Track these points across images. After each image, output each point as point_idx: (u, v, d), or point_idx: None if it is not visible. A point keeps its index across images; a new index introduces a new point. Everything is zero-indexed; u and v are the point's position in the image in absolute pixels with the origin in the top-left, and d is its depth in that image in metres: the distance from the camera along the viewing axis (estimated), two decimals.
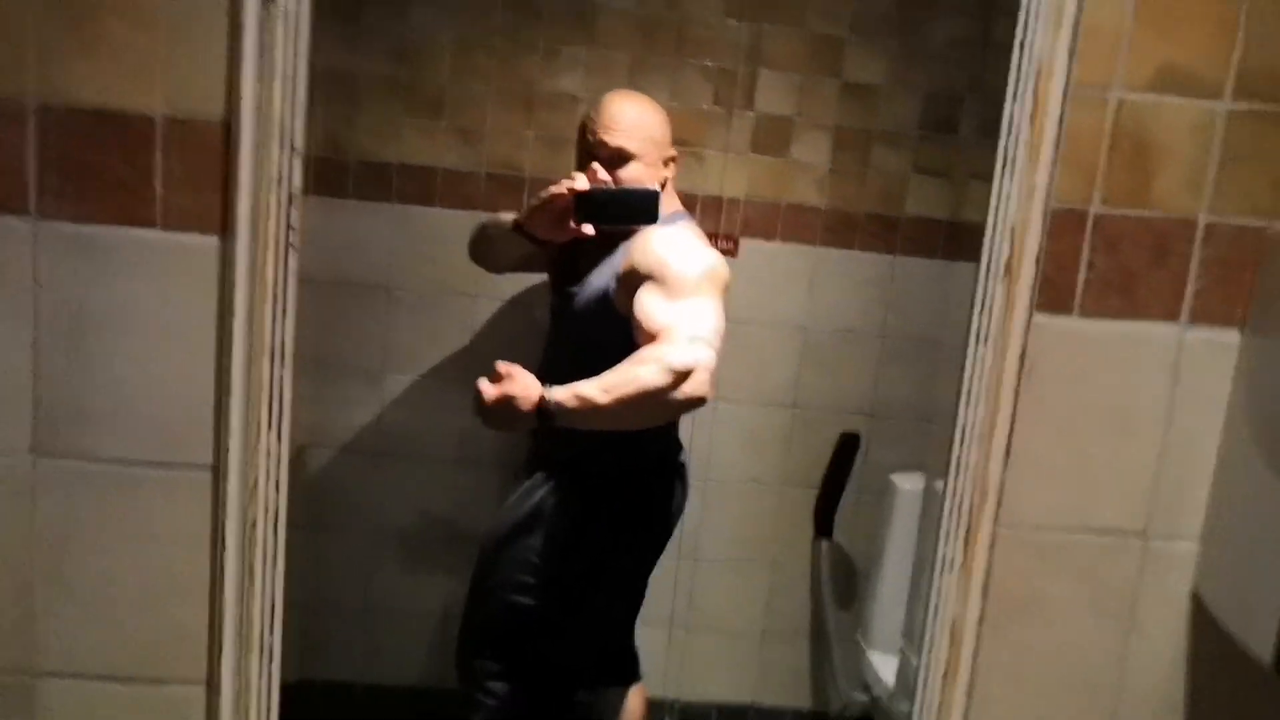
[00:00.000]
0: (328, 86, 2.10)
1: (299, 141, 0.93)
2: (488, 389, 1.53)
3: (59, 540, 0.95)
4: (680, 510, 1.91)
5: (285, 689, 1.02)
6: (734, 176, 2.25)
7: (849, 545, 2.37)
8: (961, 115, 2.25)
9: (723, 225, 2.27)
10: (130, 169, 0.92)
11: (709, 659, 2.40)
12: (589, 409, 1.48)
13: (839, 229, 2.27)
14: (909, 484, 2.22)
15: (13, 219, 0.92)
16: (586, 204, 1.62)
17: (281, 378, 0.92)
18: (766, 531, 2.37)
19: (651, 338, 1.52)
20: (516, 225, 1.75)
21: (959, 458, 1.03)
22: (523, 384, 1.52)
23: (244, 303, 0.90)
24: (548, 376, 1.57)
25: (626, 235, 1.69)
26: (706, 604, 2.38)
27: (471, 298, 2.23)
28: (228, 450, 0.91)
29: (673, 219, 1.74)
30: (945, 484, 1.11)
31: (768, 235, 2.28)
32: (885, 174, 2.26)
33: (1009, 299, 1.00)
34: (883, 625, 2.23)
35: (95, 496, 0.95)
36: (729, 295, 1.65)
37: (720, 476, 2.33)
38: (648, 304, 1.57)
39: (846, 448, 2.27)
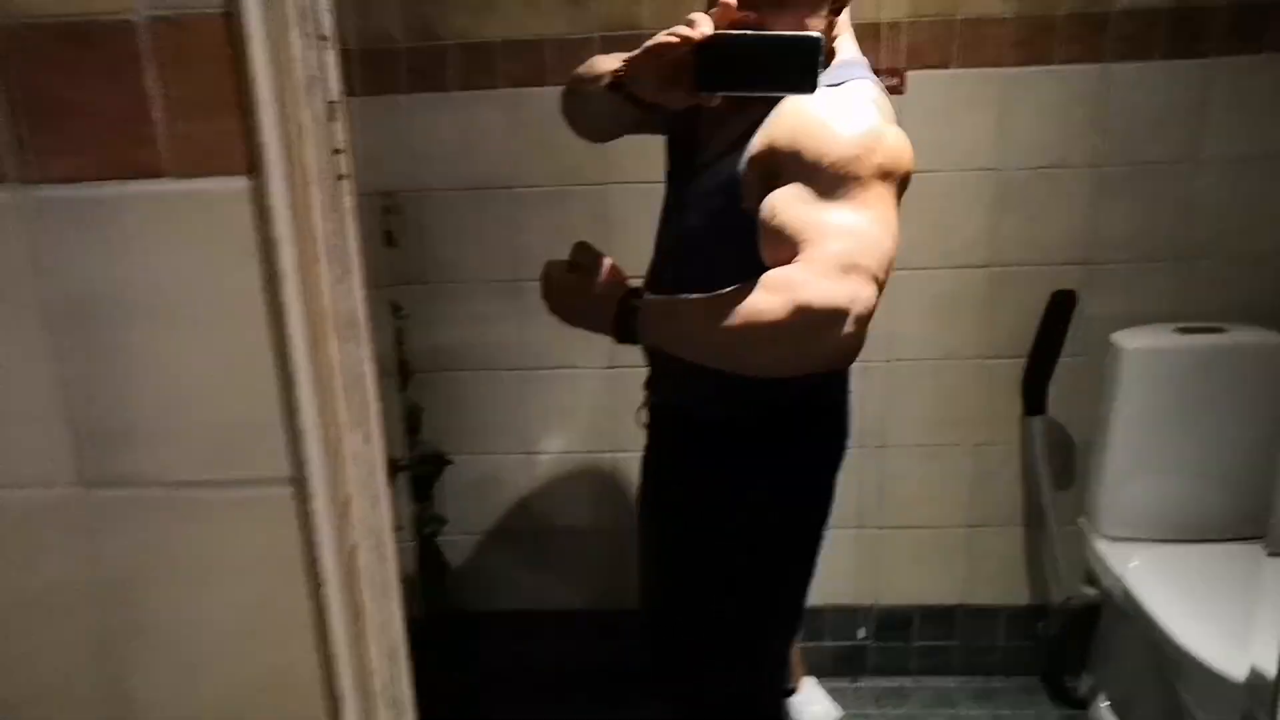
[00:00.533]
0: None
1: (327, 25, 0.65)
2: (557, 273, 1.22)
3: (130, 582, 0.76)
4: (836, 468, 1.41)
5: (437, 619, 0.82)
6: None
7: (1065, 419, 2.02)
8: None
9: (882, 58, 1.87)
10: (118, 97, 0.67)
11: (906, 558, 2.15)
12: (680, 333, 1.13)
13: (1031, 40, 1.84)
14: (1136, 341, 1.86)
15: None
16: (712, 59, 1.10)
17: (358, 359, 0.67)
18: (966, 412, 2.05)
19: (787, 257, 1.07)
20: (614, 82, 1.26)
21: None
22: (602, 275, 1.20)
23: (292, 262, 0.65)
24: (651, 289, 1.23)
25: (772, 101, 1.21)
26: (900, 497, 2.11)
27: (603, 187, 1.94)
28: (306, 459, 0.68)
29: (844, 73, 1.22)
30: None
31: (941, 62, 1.87)
32: None
33: None
34: (1111, 508, 1.91)
35: (161, 527, 0.75)
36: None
37: (907, 354, 2.01)
38: (786, 205, 1.11)
39: (1059, 308, 1.90)
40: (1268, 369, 1.83)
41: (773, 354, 1.07)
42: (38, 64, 0.67)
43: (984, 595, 2.15)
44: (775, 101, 1.19)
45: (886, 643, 2.19)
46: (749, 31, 1.10)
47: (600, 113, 1.38)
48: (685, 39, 1.08)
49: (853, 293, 1.02)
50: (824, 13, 1.21)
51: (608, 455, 2.11)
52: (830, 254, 1.03)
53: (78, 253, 0.69)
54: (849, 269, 1.03)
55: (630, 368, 1.52)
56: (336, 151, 0.65)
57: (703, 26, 1.08)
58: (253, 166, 0.66)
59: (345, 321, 0.66)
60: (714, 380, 1.24)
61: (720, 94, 1.12)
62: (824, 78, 1.14)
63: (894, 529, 2.13)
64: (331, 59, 0.65)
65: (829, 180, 1.08)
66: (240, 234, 0.68)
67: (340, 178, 0.66)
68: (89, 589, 0.76)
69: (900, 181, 1.12)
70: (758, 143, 1.18)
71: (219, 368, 0.70)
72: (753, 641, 1.43)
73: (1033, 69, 1.85)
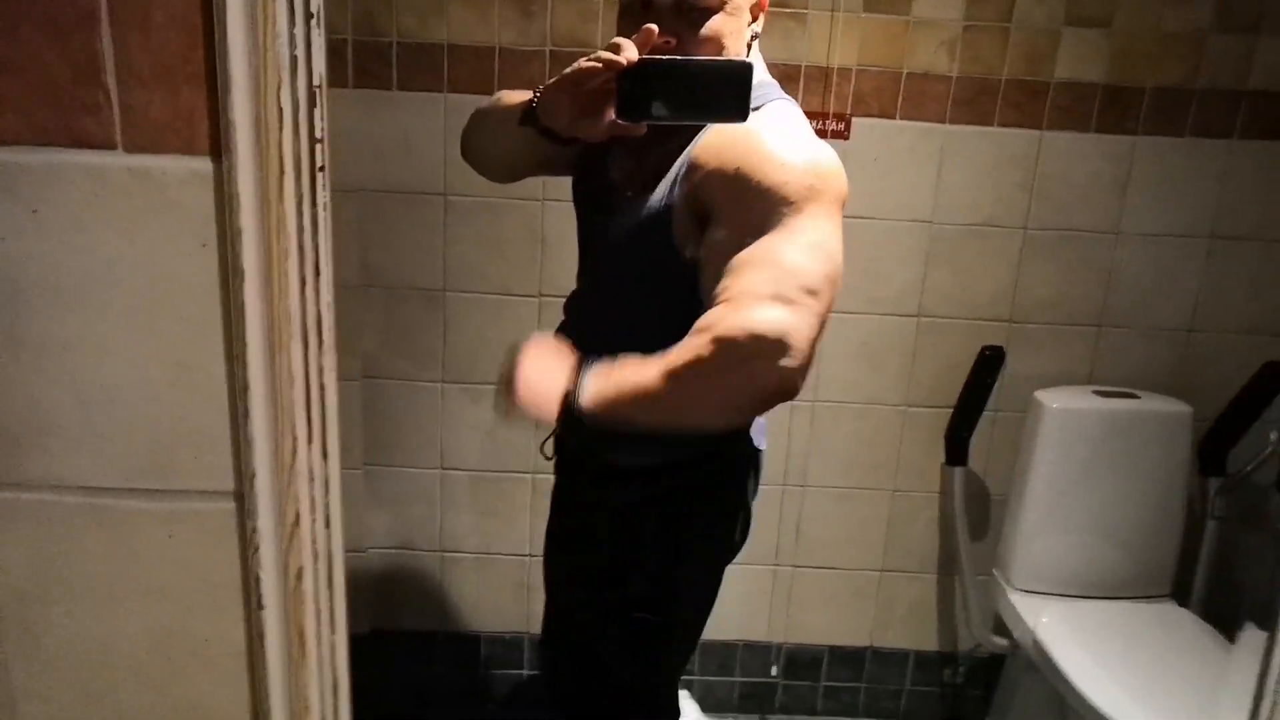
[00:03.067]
0: None
1: (316, 1, 0.60)
2: (508, 380, 1.10)
3: (32, 598, 0.68)
4: (748, 520, 1.38)
5: (357, 640, 0.76)
6: (843, 40, 1.86)
7: (983, 471, 2.06)
8: None
9: (830, 102, 1.89)
10: (66, 60, 0.60)
11: (819, 598, 2.15)
12: (626, 410, 1.04)
13: (973, 100, 1.89)
14: (1057, 400, 1.91)
15: None
16: (638, 86, 1.03)
17: (321, 368, 0.61)
18: (886, 457, 2.07)
19: (718, 291, 1.03)
20: (526, 114, 1.17)
21: None
22: (539, 378, 1.08)
23: (256, 258, 0.59)
24: (583, 337, 1.17)
25: (692, 129, 1.16)
26: (816, 537, 2.11)
27: (539, 203, 1.90)
28: (253, 474, 0.62)
29: (762, 95, 1.16)
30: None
31: (885, 112, 1.90)
32: (1029, 28, 1.85)
33: None
34: (1024, 561, 1.95)
35: (73, 538, 0.67)
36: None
37: (832, 396, 2.02)
38: (720, 242, 1.05)
39: (988, 365, 1.94)
40: (1175, 436, 1.90)
41: (709, 398, 1.03)
42: None
43: (894, 639, 2.17)
44: (695, 130, 1.15)
45: (795, 681, 2.18)
46: (678, 57, 1.06)
47: (507, 150, 1.32)
48: (610, 64, 1.03)
49: (779, 321, 0.98)
50: (744, 41, 1.18)
51: (526, 476, 2.05)
52: (757, 287, 1.00)
53: (6, 225, 0.62)
54: (777, 299, 0.99)
55: None
56: (317, 140, 0.60)
57: (628, 51, 1.03)
58: (218, 148, 0.60)
59: (312, 328, 0.61)
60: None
61: (645, 123, 1.07)
62: None
63: (809, 568, 2.13)
64: (319, 39, 0.60)
65: (772, 209, 1.04)
66: (198, 221, 0.61)
67: (318, 168, 0.60)
68: None
69: (840, 200, 1.10)
70: (688, 173, 1.13)
71: (160, 366, 0.64)
72: (647, 675, 1.41)
73: (973, 128, 1.89)
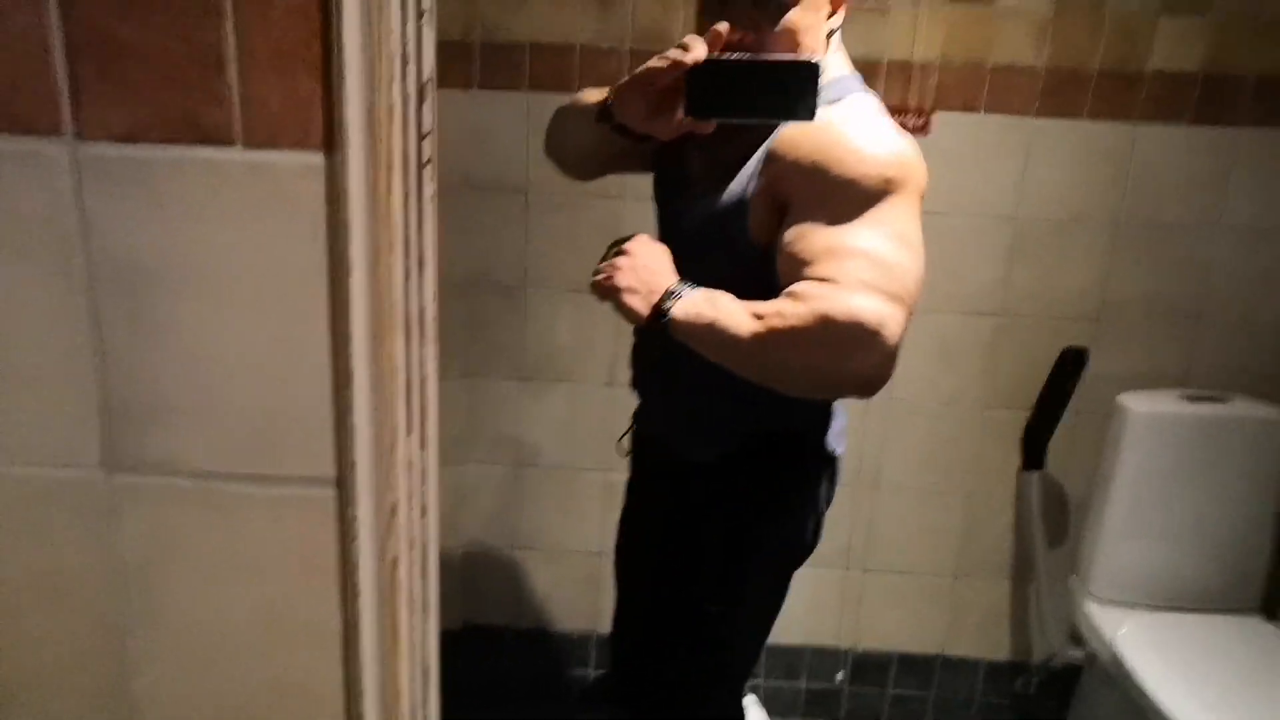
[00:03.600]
0: None
1: (428, 0, 0.61)
2: (609, 268, 1.14)
3: (147, 574, 0.71)
4: (819, 525, 1.37)
5: (447, 635, 0.78)
6: (926, 32, 1.83)
7: (1062, 475, 2.01)
8: None
9: (912, 96, 1.86)
10: (191, 53, 0.62)
11: (890, 602, 2.12)
12: (711, 341, 1.07)
13: (1062, 92, 1.84)
14: (1143, 405, 1.85)
15: (43, 142, 0.64)
16: (705, 85, 1.05)
17: (422, 360, 0.62)
18: (962, 459, 2.03)
19: (809, 274, 1.04)
20: (602, 112, 1.20)
21: None
22: (644, 267, 1.12)
23: (363, 251, 0.60)
24: None
25: (768, 126, 1.16)
26: (888, 540, 2.08)
27: (617, 199, 1.90)
28: (353, 463, 0.63)
29: (841, 89, 1.17)
30: None
31: (969, 105, 1.86)
32: (1123, 16, 1.79)
33: None
34: (1104, 570, 1.90)
35: (188, 519, 0.69)
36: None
37: (907, 395, 1.99)
38: (808, 232, 1.06)
39: (1070, 366, 1.88)
40: (1268, 444, 1.83)
41: (796, 368, 1.05)
42: (108, 7, 0.62)
43: (965, 647, 2.13)
44: (771, 126, 1.15)
45: (862, 687, 2.16)
46: (744, 56, 1.07)
47: (586, 147, 1.34)
48: (676, 63, 1.05)
49: (880, 313, 0.99)
50: (822, 36, 1.17)
51: (598, 473, 2.06)
52: (857, 274, 1.01)
53: (130, 217, 0.64)
54: (876, 290, 1.00)
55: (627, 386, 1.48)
56: (424, 135, 0.61)
57: (696, 50, 1.05)
58: (331, 143, 0.61)
59: (415, 321, 0.62)
60: (703, 416, 1.25)
61: (714, 120, 1.09)
62: (825, 89, 1.11)
63: (880, 572, 2.10)
64: (429, 36, 0.61)
65: (853, 200, 1.05)
66: (309, 214, 0.63)
67: (424, 164, 0.61)
68: (105, 577, 0.71)
69: (920, 194, 1.10)
70: (766, 165, 1.14)
71: (269, 355, 0.65)
72: (713, 674, 1.41)
73: (1061, 121, 1.84)
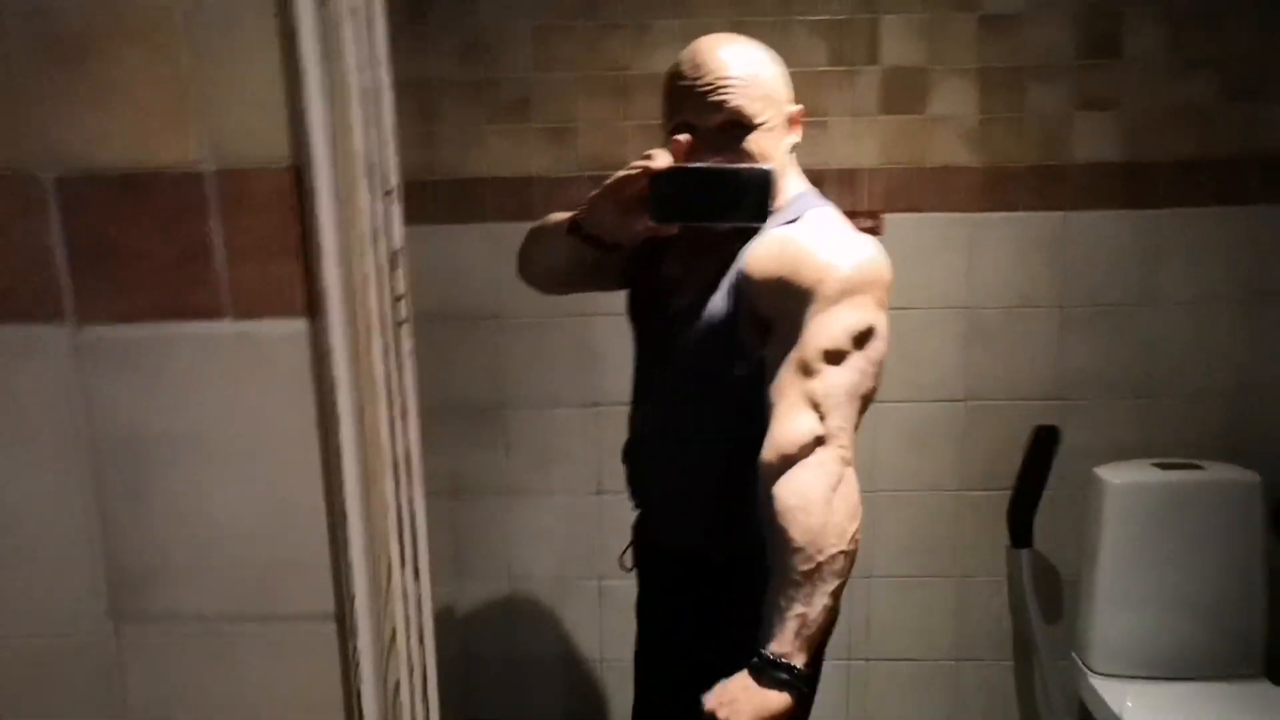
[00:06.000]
0: (396, 98, 1.89)
1: (394, 177, 0.69)
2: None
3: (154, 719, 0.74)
4: None
5: None
6: (865, 143, 1.97)
7: (1049, 552, 2.05)
8: (1123, 33, 1.91)
9: (860, 201, 1.98)
10: (179, 245, 0.70)
11: (894, 689, 2.12)
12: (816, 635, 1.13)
13: (996, 189, 1.96)
14: (1119, 476, 1.90)
15: (46, 328, 0.71)
16: (668, 190, 1.15)
17: (411, 498, 0.68)
18: (948, 542, 2.07)
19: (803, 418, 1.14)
20: (573, 224, 1.31)
21: None
22: (738, 700, 1.12)
23: (349, 404, 0.67)
24: (654, 436, 1.32)
25: (742, 235, 1.25)
26: (886, 628, 2.10)
27: (588, 318, 1.99)
28: (352, 597, 0.68)
29: (802, 205, 1.27)
30: None
31: (913, 206, 1.98)
32: (1043, 116, 1.93)
33: None
34: (1101, 643, 1.92)
35: (194, 667, 0.74)
36: None
37: (888, 485, 2.05)
38: (772, 343, 1.19)
39: (1044, 443, 1.95)
40: (1244, 504, 1.88)
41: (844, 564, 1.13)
42: (103, 209, 0.70)
43: None
44: (741, 240, 1.24)
45: None
46: (703, 164, 1.17)
47: (559, 262, 1.42)
48: (645, 170, 1.16)
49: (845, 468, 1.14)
50: (781, 154, 1.26)
51: (593, 582, 2.09)
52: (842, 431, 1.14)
53: (129, 390, 0.71)
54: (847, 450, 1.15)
55: (616, 494, 1.53)
56: (398, 298, 0.69)
57: (660, 159, 1.16)
58: (313, 310, 0.69)
59: (402, 462, 0.68)
60: (709, 521, 1.30)
61: (676, 224, 1.19)
62: (781, 213, 1.23)
63: (881, 660, 2.11)
64: (396, 211, 0.69)
65: (809, 303, 1.15)
66: (297, 375, 0.70)
67: (400, 323, 0.69)
68: None
69: (887, 289, 1.21)
70: (741, 283, 1.22)
71: (265, 505, 0.71)
72: None
73: (999, 214, 1.96)
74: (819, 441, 1.12)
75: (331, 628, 0.72)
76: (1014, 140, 1.94)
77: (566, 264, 1.41)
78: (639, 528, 1.50)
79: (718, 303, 1.25)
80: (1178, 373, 1.99)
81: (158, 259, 0.70)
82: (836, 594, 1.12)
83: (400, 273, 0.69)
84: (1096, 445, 2.00)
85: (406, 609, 0.69)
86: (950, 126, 1.94)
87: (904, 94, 1.94)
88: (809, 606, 1.10)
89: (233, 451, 0.71)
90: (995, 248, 1.98)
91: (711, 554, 1.34)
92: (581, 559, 2.08)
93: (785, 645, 1.10)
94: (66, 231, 0.70)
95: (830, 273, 1.15)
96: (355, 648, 0.70)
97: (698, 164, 1.17)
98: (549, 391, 2.04)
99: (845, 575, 1.13)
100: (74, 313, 0.71)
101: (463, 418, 2.05)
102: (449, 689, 2.06)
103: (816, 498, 1.10)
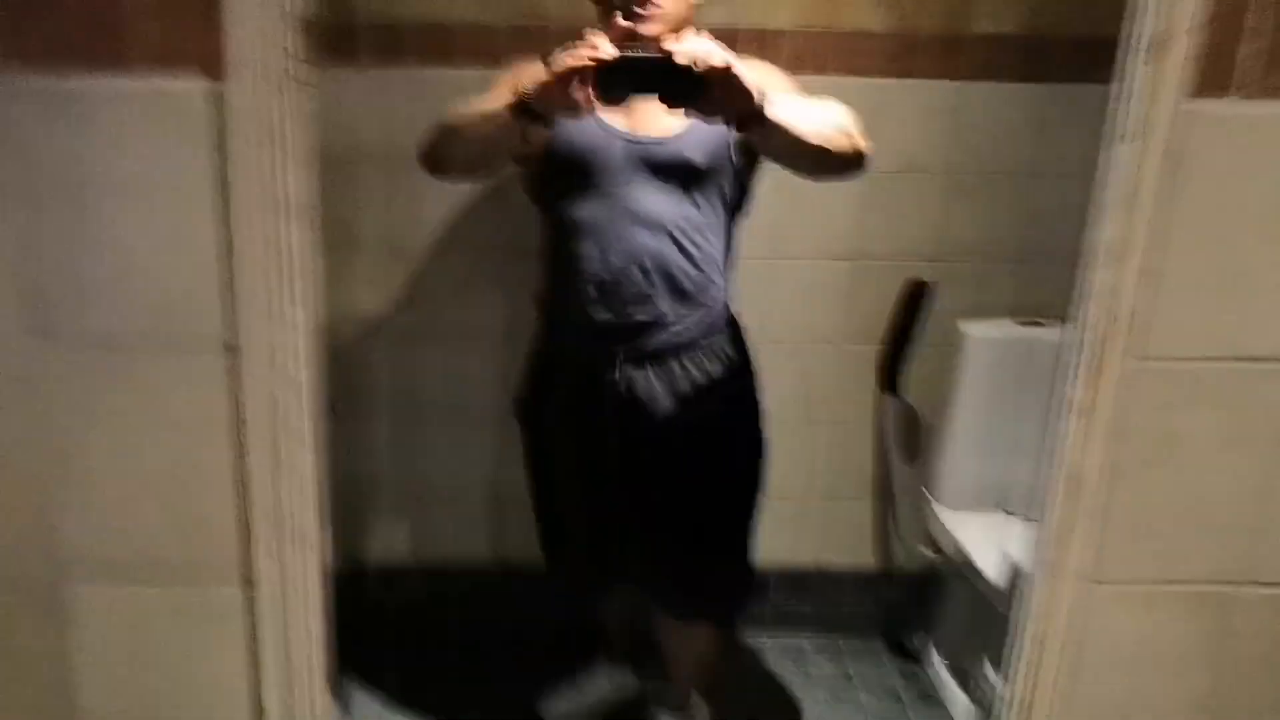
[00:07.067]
0: None
1: None
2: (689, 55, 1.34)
3: (67, 430, 0.85)
4: None
5: (337, 579, 0.94)
6: (778, 4, 2.03)
7: (916, 399, 2.24)
8: None
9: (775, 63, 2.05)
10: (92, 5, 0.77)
11: (769, 523, 2.32)
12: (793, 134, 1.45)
13: (901, 56, 2.05)
14: (980, 331, 2.08)
15: None
16: (614, 76, 1.35)
17: (294, 236, 0.78)
18: (830, 391, 2.24)
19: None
20: (519, 107, 1.44)
21: (1086, 282, 0.88)
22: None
23: (241, 148, 0.76)
24: (653, 250, 1.58)
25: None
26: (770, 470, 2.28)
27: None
28: (243, 324, 0.79)
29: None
30: (1073, 314, 0.96)
31: (819, 69, 2.06)
32: None
33: (1155, 82, 0.82)
34: (953, 480, 2.13)
35: (103, 381, 0.84)
36: None
37: (779, 336, 2.19)
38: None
39: (915, 297, 2.11)
40: None
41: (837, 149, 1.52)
42: None
43: (838, 559, 2.35)
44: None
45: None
46: (644, 55, 1.37)
47: (484, 144, 1.55)
48: (596, 59, 1.34)
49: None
50: (688, 11, 1.54)
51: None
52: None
53: (47, 135, 0.79)
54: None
55: None
56: (298, 59, 0.77)
57: (606, 48, 1.34)
58: (215, 67, 0.77)
59: (285, 203, 0.77)
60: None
61: (622, 100, 1.40)
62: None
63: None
64: None
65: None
66: (199, 122, 0.78)
67: (295, 80, 0.77)
68: (28, 434, 0.85)
69: None
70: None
71: (169, 242, 0.81)
72: (746, 551, 1.87)
73: (898, 81, 2.06)
74: None
75: (224, 353, 0.83)
76: (917, 7, 2.02)
77: (497, 148, 1.55)
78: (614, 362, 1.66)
79: (701, 126, 1.55)
80: (1054, 241, 2.15)
81: (70, 8, 0.77)
82: (822, 150, 1.49)
83: (297, 33, 0.77)
84: (973, 305, 2.15)
85: (292, 335, 0.80)
86: None
87: None
88: (806, 124, 1.45)
89: (143, 192, 0.80)
90: (895, 113, 2.08)
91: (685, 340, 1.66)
92: (487, 399, 2.20)
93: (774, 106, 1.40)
94: None
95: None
96: (242, 368, 0.81)
97: (640, 54, 1.36)
98: (462, 235, 2.12)
99: (838, 148, 1.51)
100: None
101: (376, 255, 2.13)
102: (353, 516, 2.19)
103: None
